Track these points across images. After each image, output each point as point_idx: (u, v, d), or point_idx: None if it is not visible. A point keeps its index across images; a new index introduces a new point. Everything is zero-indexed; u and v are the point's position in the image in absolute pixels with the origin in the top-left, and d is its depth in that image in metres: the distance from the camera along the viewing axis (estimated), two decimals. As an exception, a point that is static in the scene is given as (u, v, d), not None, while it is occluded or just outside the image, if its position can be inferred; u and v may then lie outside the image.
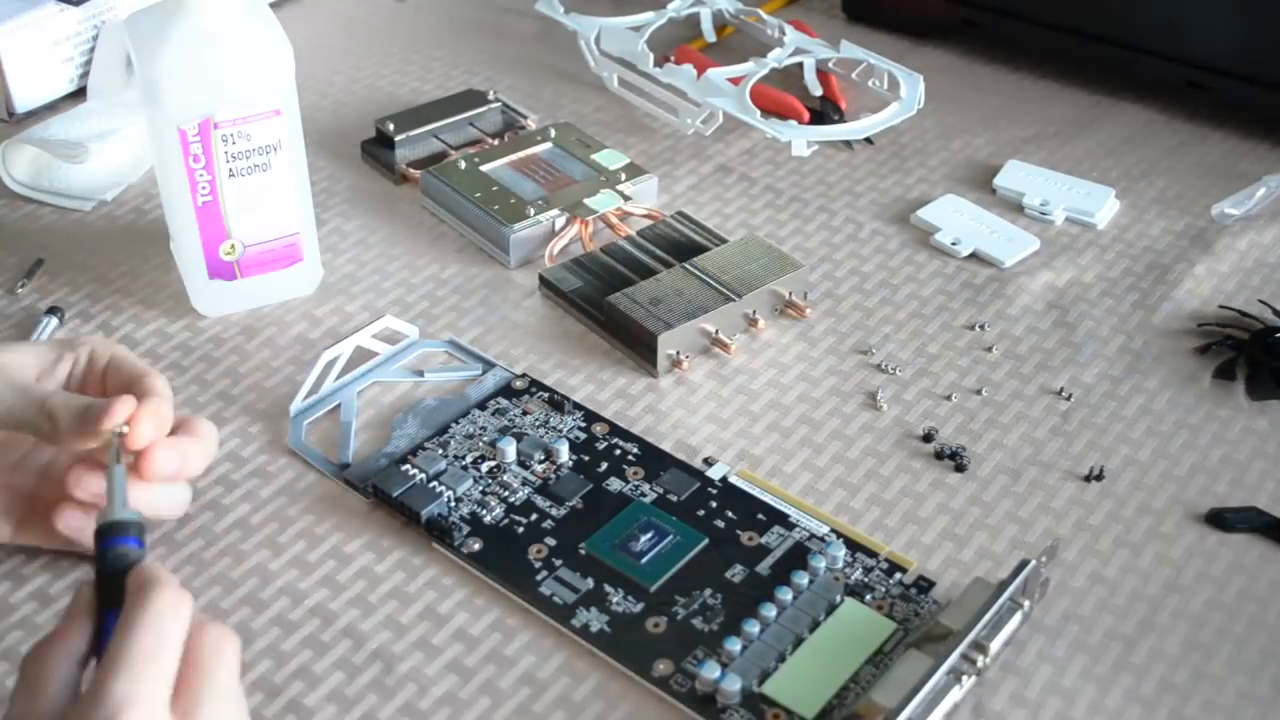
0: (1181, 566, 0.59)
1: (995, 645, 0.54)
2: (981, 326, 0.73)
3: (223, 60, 0.65)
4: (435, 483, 0.61)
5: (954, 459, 0.64)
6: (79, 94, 0.89)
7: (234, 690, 0.44)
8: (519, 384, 0.67)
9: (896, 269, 0.77)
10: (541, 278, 0.74)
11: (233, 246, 0.69)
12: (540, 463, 0.63)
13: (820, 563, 0.58)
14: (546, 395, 0.67)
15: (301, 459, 0.64)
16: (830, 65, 0.91)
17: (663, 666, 0.54)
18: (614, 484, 0.62)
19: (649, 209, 0.79)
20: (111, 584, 0.45)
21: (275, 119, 0.67)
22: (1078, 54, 0.93)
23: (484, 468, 0.63)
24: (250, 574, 0.58)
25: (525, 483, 0.62)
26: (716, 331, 0.70)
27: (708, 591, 0.57)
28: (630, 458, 0.64)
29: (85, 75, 0.89)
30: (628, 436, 0.65)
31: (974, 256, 0.78)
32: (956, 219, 0.80)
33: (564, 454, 0.63)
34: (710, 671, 0.53)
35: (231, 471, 0.63)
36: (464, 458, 0.63)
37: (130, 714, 0.40)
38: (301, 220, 0.71)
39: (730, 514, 0.61)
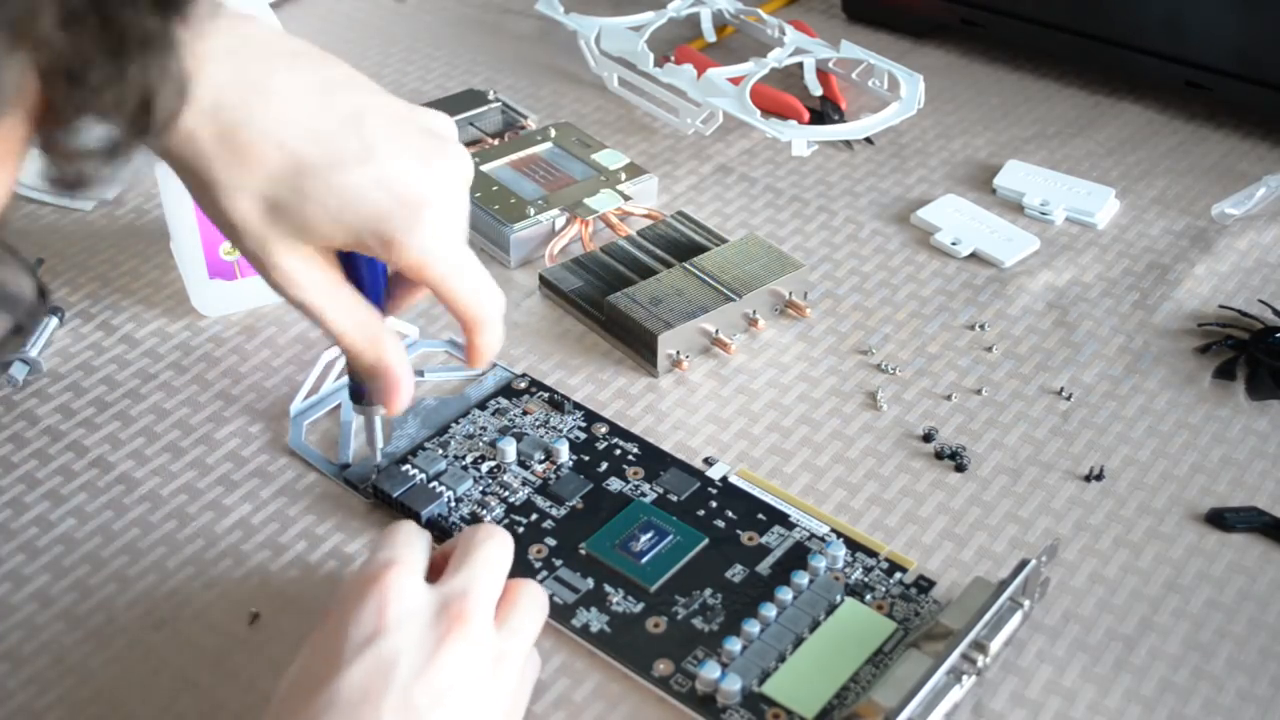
0: (1181, 566, 0.59)
1: (995, 645, 0.54)
2: (981, 326, 0.73)
3: (223, 60, 0.65)
4: (435, 483, 0.61)
5: (954, 459, 0.64)
6: (79, 94, 0.89)
7: (530, 628, 0.51)
8: (519, 384, 0.67)
9: (896, 269, 0.77)
10: (541, 278, 0.74)
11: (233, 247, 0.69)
12: (540, 463, 0.63)
13: (820, 563, 0.58)
14: (546, 395, 0.67)
15: (301, 459, 0.64)
16: (830, 65, 0.91)
17: (663, 666, 0.54)
18: (614, 484, 0.62)
19: (649, 209, 0.79)
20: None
21: (275, 119, 0.67)
22: (1078, 54, 0.93)
23: (484, 468, 0.63)
24: (252, 574, 0.58)
25: (525, 483, 0.62)
26: (716, 331, 0.70)
27: (708, 591, 0.57)
28: (630, 458, 0.64)
29: (85, 75, 0.89)
30: (628, 436, 0.65)
31: (974, 256, 0.78)
32: (956, 219, 0.80)
33: (564, 454, 0.63)
34: (710, 671, 0.53)
35: (232, 471, 0.63)
36: (464, 458, 0.63)
37: (471, 605, 0.49)
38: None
39: (730, 514, 0.61)
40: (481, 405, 0.66)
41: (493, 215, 0.76)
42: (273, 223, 0.50)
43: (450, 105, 0.86)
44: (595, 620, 0.56)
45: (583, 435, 0.65)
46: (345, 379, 0.67)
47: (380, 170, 0.51)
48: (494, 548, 0.51)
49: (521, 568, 0.58)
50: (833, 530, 0.60)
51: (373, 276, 0.56)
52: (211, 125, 0.48)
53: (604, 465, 0.63)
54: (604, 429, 0.65)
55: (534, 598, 0.51)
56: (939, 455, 0.64)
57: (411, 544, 0.51)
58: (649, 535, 0.59)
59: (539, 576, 0.57)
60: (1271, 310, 0.73)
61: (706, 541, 0.59)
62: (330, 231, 0.51)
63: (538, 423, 0.65)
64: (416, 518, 0.60)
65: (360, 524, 0.61)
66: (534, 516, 0.60)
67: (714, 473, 0.63)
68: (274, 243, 0.51)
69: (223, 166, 0.49)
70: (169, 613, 0.56)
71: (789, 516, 0.61)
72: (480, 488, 0.62)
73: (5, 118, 0.30)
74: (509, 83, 0.93)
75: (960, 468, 0.64)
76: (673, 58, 0.93)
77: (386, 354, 0.55)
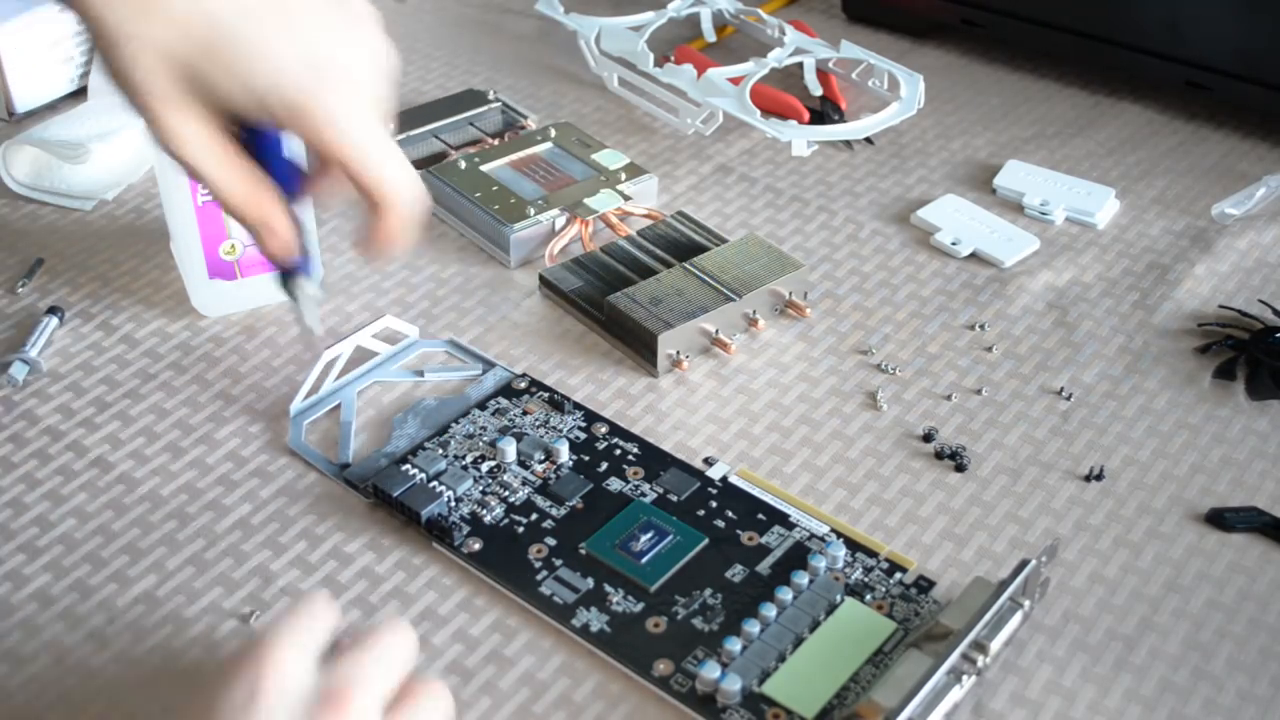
0: (1181, 566, 0.60)
1: (995, 645, 0.54)
2: (981, 326, 0.73)
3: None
4: (435, 483, 0.61)
5: (954, 459, 0.64)
6: (79, 94, 0.89)
7: None
8: (519, 384, 0.67)
9: (896, 269, 0.77)
10: (541, 278, 0.74)
11: (233, 246, 0.69)
12: (540, 463, 0.63)
13: (820, 562, 0.58)
14: (546, 395, 0.67)
15: (302, 459, 0.64)
16: (830, 65, 0.91)
17: (663, 666, 0.54)
18: (614, 484, 0.62)
19: (649, 209, 0.79)
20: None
21: (275, 119, 0.67)
22: (1078, 54, 0.93)
23: (484, 468, 0.63)
24: (252, 574, 0.58)
25: (525, 483, 0.62)
26: (716, 331, 0.70)
27: (708, 591, 0.57)
28: (630, 458, 0.64)
29: (85, 75, 0.89)
30: (628, 436, 0.65)
31: (974, 256, 0.78)
32: (956, 219, 0.80)
33: (564, 454, 0.63)
34: (710, 671, 0.53)
35: (232, 471, 0.63)
36: (464, 458, 0.63)
37: (356, 693, 0.45)
38: (301, 219, 0.70)
39: (730, 514, 0.61)
40: (481, 405, 0.66)
41: (493, 215, 0.76)
42: (175, 82, 0.48)
43: (450, 105, 0.86)
44: (595, 620, 0.56)
45: (583, 435, 0.65)
46: (345, 377, 0.67)
47: (296, 36, 0.48)
48: (392, 640, 0.47)
49: (521, 568, 0.58)
50: (833, 530, 0.60)
51: (278, 157, 0.54)
52: None
53: (604, 465, 0.63)
54: (604, 429, 0.65)
55: (435, 700, 0.47)
56: (939, 455, 0.64)
57: (309, 624, 0.47)
58: (649, 535, 0.59)
59: (539, 576, 0.57)
60: (1271, 310, 0.73)
61: (706, 541, 0.59)
62: (238, 97, 0.49)
63: (538, 423, 0.65)
64: (416, 518, 0.60)
65: (360, 524, 0.61)
66: (534, 516, 0.60)
67: (714, 473, 0.63)
68: (173, 103, 0.48)
69: (127, 16, 0.46)
70: (169, 612, 0.56)
71: (789, 516, 0.61)
72: (480, 488, 0.62)
73: None
74: (509, 83, 0.93)
75: (960, 468, 0.64)
76: (673, 58, 0.93)
77: (268, 214, 0.54)
